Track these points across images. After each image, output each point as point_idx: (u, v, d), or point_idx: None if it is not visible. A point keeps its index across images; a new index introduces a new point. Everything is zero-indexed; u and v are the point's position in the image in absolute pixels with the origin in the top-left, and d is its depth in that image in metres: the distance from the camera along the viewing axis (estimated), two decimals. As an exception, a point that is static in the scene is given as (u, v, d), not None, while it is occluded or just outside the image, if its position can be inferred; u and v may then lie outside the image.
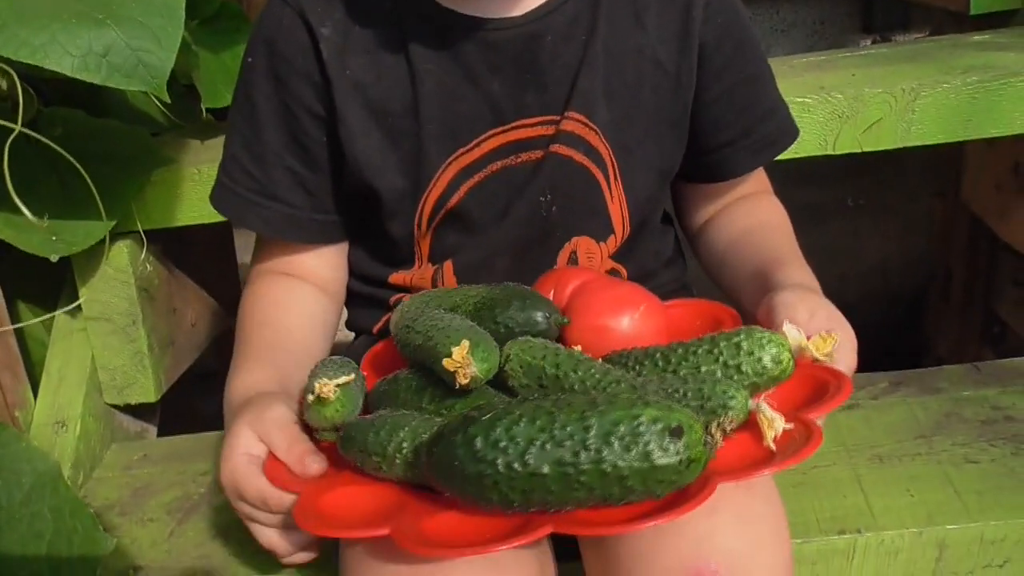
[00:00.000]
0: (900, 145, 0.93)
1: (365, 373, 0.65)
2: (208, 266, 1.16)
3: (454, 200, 0.69)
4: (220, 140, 1.00)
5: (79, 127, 0.92)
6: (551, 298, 0.64)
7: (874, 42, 1.78)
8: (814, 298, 0.62)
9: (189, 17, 1.04)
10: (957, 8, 1.28)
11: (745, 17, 0.73)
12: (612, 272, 0.74)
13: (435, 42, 0.66)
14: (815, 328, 0.58)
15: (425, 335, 0.58)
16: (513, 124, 0.68)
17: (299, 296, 0.71)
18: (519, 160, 0.69)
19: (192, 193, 0.95)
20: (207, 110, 1.02)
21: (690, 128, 0.72)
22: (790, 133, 0.75)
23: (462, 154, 0.68)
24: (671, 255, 0.79)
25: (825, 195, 1.66)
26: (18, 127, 0.72)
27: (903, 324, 1.59)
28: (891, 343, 1.39)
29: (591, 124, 0.69)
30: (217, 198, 0.73)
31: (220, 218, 0.81)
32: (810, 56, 1.11)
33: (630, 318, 0.61)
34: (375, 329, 0.75)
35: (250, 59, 0.69)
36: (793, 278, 0.66)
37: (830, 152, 0.94)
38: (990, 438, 0.76)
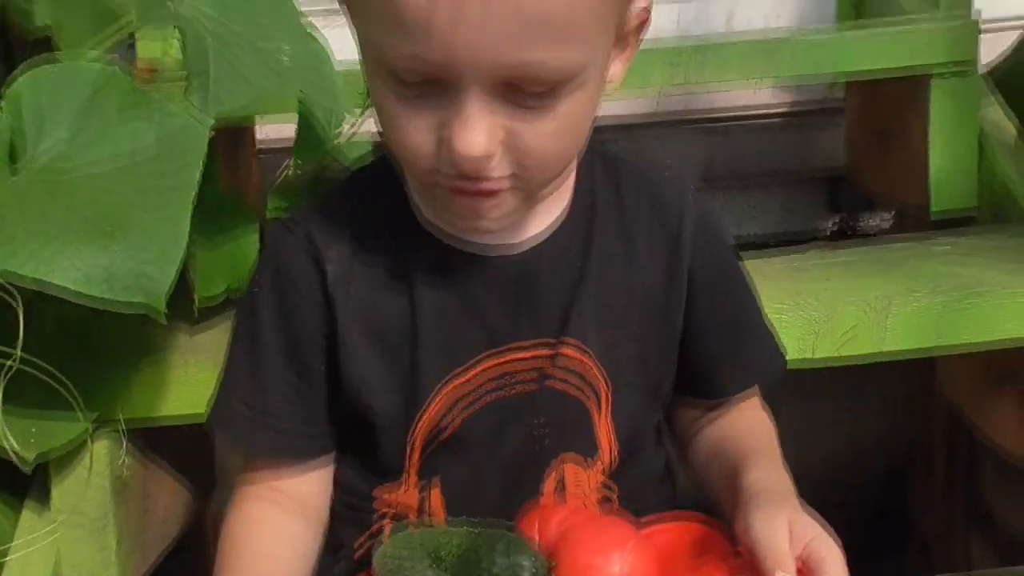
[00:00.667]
0: (876, 351, 0.96)
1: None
2: (184, 453, 1.14)
3: (449, 426, 0.70)
4: (210, 333, 1.02)
5: (68, 323, 0.92)
6: (536, 535, 0.64)
7: (841, 221, 1.86)
8: (794, 517, 0.63)
9: (189, 208, 1.06)
10: (918, 204, 1.35)
11: (732, 247, 0.77)
12: (603, 495, 0.74)
13: (436, 273, 0.69)
14: (799, 553, 0.60)
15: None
16: (508, 346, 0.70)
17: (285, 525, 0.71)
18: (513, 392, 0.70)
19: (178, 389, 0.94)
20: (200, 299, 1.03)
21: (679, 354, 0.75)
22: (779, 364, 0.79)
23: (457, 375, 0.70)
24: (662, 475, 0.80)
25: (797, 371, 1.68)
26: (17, 352, 0.72)
27: (885, 505, 1.59)
28: (873, 524, 1.39)
29: (586, 349, 0.71)
30: (216, 417, 0.74)
31: (203, 415, 0.81)
32: (782, 257, 1.16)
33: (620, 556, 0.61)
34: (356, 555, 0.74)
35: (257, 278, 0.72)
36: (763, 481, 0.68)
37: (809, 357, 0.97)
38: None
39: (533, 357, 0.70)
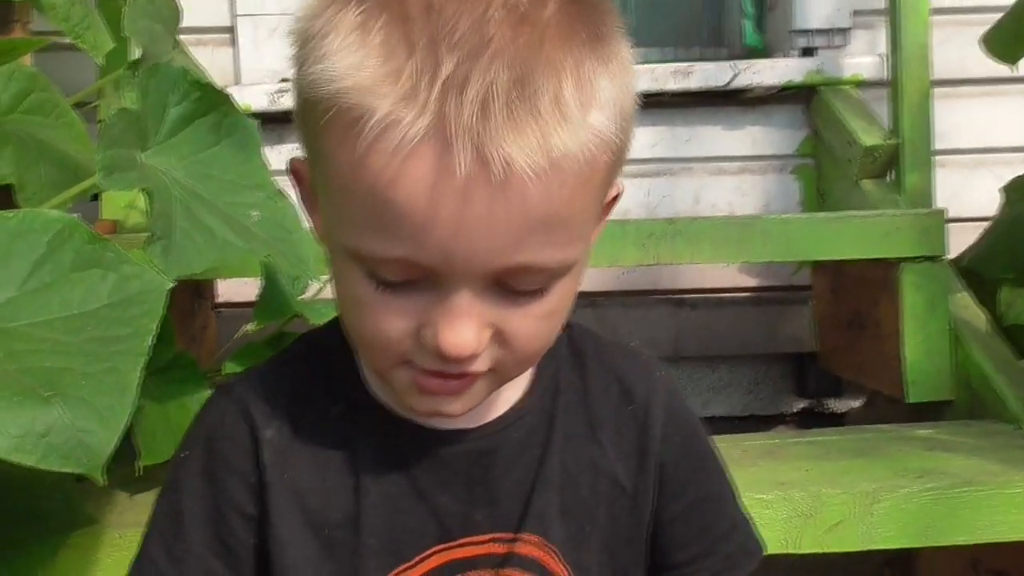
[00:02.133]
0: (865, 547, 0.91)
1: None
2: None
3: None
4: (150, 495, 0.95)
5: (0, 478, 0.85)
6: None
7: (808, 407, 1.84)
8: None
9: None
10: (891, 393, 1.33)
11: (704, 433, 0.72)
12: None
13: (383, 452, 0.63)
14: None
15: None
16: (460, 541, 0.64)
17: None
18: None
19: (109, 560, 0.87)
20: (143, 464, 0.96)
21: (649, 546, 0.69)
22: (753, 553, 0.73)
23: (402, 571, 0.63)
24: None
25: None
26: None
27: None
28: None
29: (549, 544, 0.65)
30: None
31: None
32: (758, 438, 1.12)
33: None
34: None
35: (184, 454, 0.65)
36: None
37: (794, 551, 0.91)
38: None
39: (487, 553, 0.64)
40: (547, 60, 0.50)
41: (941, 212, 1.22)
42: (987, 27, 1.32)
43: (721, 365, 1.78)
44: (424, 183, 0.49)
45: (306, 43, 0.53)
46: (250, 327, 1.11)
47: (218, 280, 1.43)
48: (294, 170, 0.61)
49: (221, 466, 0.63)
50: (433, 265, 0.51)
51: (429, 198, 0.49)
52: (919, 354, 1.20)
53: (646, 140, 1.63)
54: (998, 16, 1.31)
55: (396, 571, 0.63)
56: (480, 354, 0.55)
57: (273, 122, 1.51)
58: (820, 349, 1.53)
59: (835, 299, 1.45)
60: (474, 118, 0.48)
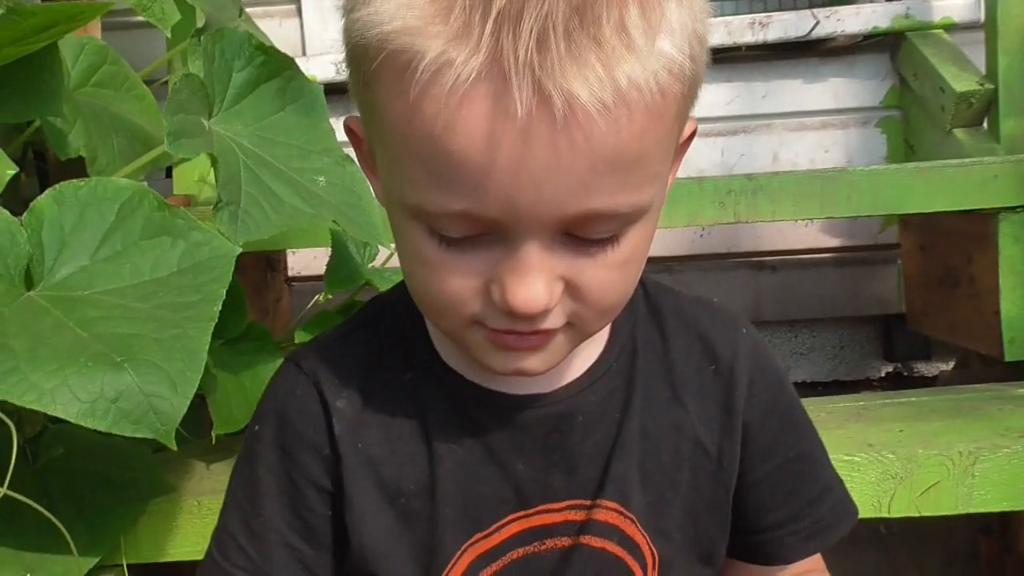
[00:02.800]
0: (962, 511, 0.86)
1: None
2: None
3: None
4: (226, 464, 0.96)
5: (81, 446, 0.86)
6: None
7: (895, 371, 1.77)
8: None
9: (214, 338, 1.02)
10: (988, 352, 1.26)
11: (792, 391, 0.68)
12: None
13: (457, 419, 0.61)
14: None
15: None
16: (537, 508, 0.61)
17: None
18: (543, 547, 0.61)
19: (188, 527, 0.87)
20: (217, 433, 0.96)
21: (734, 510, 0.66)
22: (847, 515, 0.69)
23: (480, 539, 0.61)
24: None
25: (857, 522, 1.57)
26: (3, 490, 0.65)
27: None
28: None
29: (627, 513, 0.62)
30: (205, 574, 0.65)
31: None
32: (845, 400, 1.07)
33: None
34: None
35: (256, 427, 0.64)
36: None
37: (884, 515, 0.86)
38: None
39: (565, 520, 0.62)
40: None
41: (1041, 160, 1.14)
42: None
43: (803, 329, 1.72)
44: (482, 127, 0.46)
45: (350, 9, 0.51)
46: (321, 297, 1.11)
47: (289, 253, 1.43)
48: (349, 129, 0.59)
49: (294, 440, 0.62)
50: (496, 216, 0.48)
51: (488, 143, 0.46)
52: (1018, 310, 1.12)
53: (721, 97, 1.57)
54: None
55: (473, 539, 0.61)
56: (553, 309, 0.52)
57: (339, 93, 1.51)
58: (909, 310, 1.46)
59: (925, 256, 1.38)
60: (531, 52, 0.44)
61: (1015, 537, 1.20)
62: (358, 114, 0.56)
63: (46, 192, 0.75)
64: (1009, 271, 1.13)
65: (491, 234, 0.50)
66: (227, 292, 0.80)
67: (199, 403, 0.95)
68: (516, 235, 0.49)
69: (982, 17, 1.41)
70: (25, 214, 0.75)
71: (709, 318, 0.67)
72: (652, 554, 0.63)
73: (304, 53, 1.62)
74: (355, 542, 0.61)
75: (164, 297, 0.74)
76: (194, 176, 1.34)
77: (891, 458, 0.86)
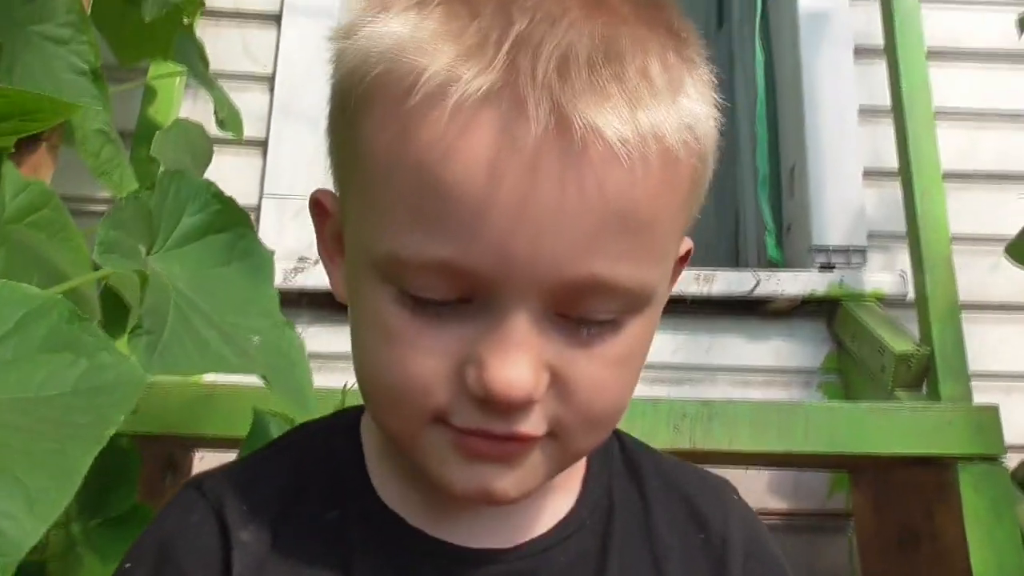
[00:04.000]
0: None
1: None
2: None
3: None
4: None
5: None
6: None
7: None
8: None
9: (89, 515, 0.87)
10: None
11: (786, 566, 0.58)
12: None
13: (390, 571, 0.49)
14: None
15: None
16: None
17: None
18: None
19: None
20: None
21: None
22: None
23: None
24: None
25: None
26: None
27: None
28: None
29: None
30: None
31: None
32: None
33: None
34: None
35: (128, 565, 0.51)
36: None
37: None
38: None
39: None
40: (631, 36, 0.43)
41: (996, 407, 1.12)
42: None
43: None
44: (485, 155, 0.40)
45: (349, 33, 0.46)
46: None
47: (196, 458, 1.29)
48: (316, 202, 0.53)
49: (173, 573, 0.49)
50: (484, 272, 0.41)
51: (489, 175, 0.40)
52: (989, 567, 1.04)
53: (666, 346, 1.56)
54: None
55: None
56: (536, 403, 0.43)
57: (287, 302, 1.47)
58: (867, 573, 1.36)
59: (880, 516, 1.31)
60: (551, 75, 0.40)
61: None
62: (331, 161, 0.50)
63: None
64: (975, 524, 1.07)
65: (473, 300, 0.42)
66: (119, 463, 0.69)
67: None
68: (503, 301, 0.42)
69: (910, 293, 1.47)
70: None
71: (695, 481, 0.58)
72: None
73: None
74: None
75: (48, 414, 0.62)
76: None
77: None
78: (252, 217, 1.62)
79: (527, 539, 0.51)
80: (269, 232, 1.55)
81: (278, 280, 1.47)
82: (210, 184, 0.88)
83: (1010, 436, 1.47)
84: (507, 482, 0.45)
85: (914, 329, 1.43)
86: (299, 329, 1.41)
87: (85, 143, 1.03)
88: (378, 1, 0.45)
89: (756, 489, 1.48)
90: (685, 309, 1.56)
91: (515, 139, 0.40)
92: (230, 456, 1.17)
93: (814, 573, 1.53)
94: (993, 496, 1.08)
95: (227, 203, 0.89)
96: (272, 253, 0.94)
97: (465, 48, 0.41)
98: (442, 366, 0.43)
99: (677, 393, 1.53)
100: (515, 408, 0.43)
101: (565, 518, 0.53)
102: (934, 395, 1.34)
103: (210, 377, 1.10)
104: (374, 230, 0.44)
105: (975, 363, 1.51)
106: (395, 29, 0.43)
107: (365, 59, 0.44)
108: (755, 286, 1.54)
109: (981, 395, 1.56)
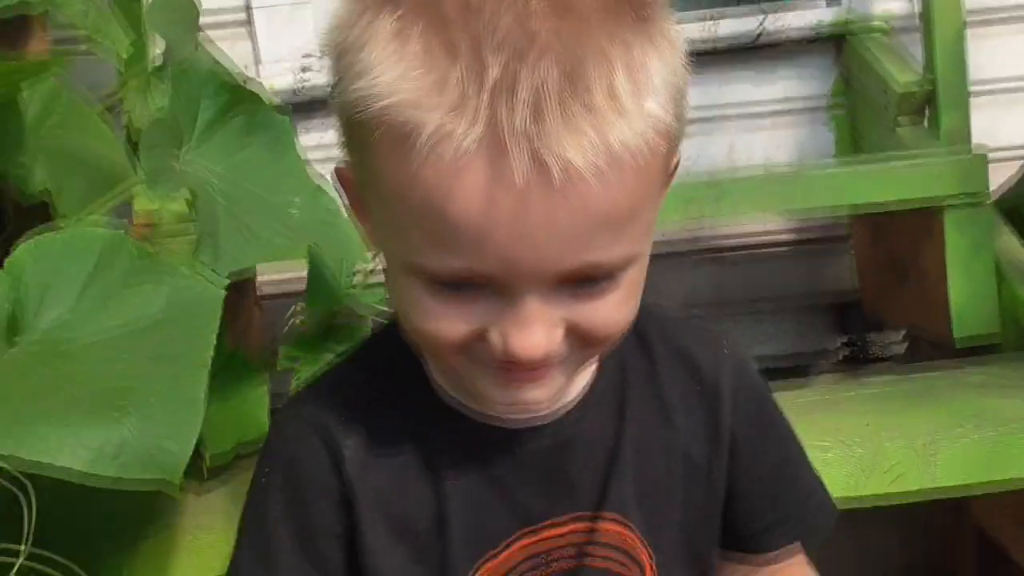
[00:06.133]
0: (926, 488, 0.92)
1: None
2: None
3: None
4: (218, 493, 0.97)
5: (72, 494, 0.86)
6: None
7: (849, 342, 1.83)
8: None
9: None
10: (938, 337, 1.31)
11: (773, 400, 0.72)
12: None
13: (462, 456, 0.63)
14: None
15: None
16: (542, 524, 0.64)
17: None
18: (551, 570, 0.64)
19: (185, 563, 0.88)
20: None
21: (723, 516, 0.70)
22: (828, 515, 0.73)
23: (490, 557, 0.64)
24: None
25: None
26: (25, 549, 0.66)
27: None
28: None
29: (627, 523, 0.65)
30: None
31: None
32: (813, 392, 1.12)
33: None
34: None
35: (264, 479, 0.64)
36: None
37: (856, 495, 0.92)
38: None
39: (570, 532, 0.65)
40: (596, 50, 0.49)
41: (984, 156, 1.19)
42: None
43: (765, 315, 1.77)
44: (481, 194, 0.48)
45: (342, 56, 0.53)
46: (295, 315, 1.11)
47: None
48: (340, 177, 0.60)
49: (305, 488, 0.63)
50: (496, 273, 0.51)
51: (487, 208, 0.49)
52: (964, 293, 1.18)
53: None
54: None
55: (483, 559, 0.63)
56: (553, 350, 0.55)
57: (303, 108, 1.50)
58: (864, 295, 1.52)
59: (876, 246, 1.43)
60: (527, 122, 0.47)
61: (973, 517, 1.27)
62: (344, 161, 0.58)
63: (21, 247, 0.76)
64: (955, 261, 1.19)
65: (489, 286, 0.52)
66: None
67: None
68: (515, 289, 0.52)
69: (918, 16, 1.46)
70: (3, 270, 0.75)
71: (692, 339, 0.70)
72: (651, 564, 0.67)
73: (259, 62, 1.60)
74: (368, 574, 0.63)
75: (154, 337, 0.75)
76: (154, 205, 1.34)
77: (859, 443, 0.92)
78: (245, 32, 1.63)
79: (560, 414, 0.64)
80: (267, 41, 1.55)
81: (291, 84, 1.52)
82: (214, 74, 0.93)
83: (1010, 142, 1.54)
84: (537, 393, 0.58)
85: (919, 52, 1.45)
86: (319, 135, 1.46)
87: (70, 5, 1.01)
88: (357, 25, 0.51)
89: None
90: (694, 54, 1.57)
91: (504, 179, 0.48)
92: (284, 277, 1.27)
93: (821, 287, 1.70)
94: (974, 235, 1.19)
95: (234, 89, 0.94)
96: (288, 117, 1.01)
97: (450, 103, 0.48)
98: (469, 329, 0.54)
99: (688, 144, 1.60)
100: (536, 365, 0.54)
101: (587, 390, 0.65)
102: (934, 127, 1.39)
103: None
104: (395, 242, 0.54)
105: (981, 72, 1.54)
106: (385, 80, 0.49)
107: (364, 115, 0.50)
108: (762, 21, 1.53)
109: (985, 110, 1.61)
